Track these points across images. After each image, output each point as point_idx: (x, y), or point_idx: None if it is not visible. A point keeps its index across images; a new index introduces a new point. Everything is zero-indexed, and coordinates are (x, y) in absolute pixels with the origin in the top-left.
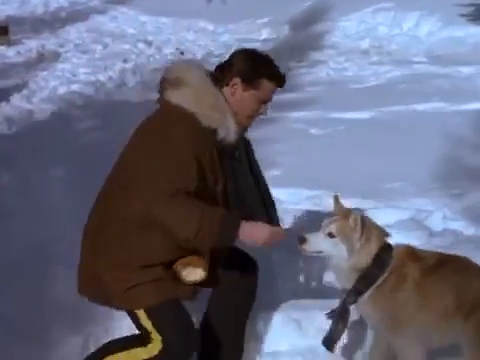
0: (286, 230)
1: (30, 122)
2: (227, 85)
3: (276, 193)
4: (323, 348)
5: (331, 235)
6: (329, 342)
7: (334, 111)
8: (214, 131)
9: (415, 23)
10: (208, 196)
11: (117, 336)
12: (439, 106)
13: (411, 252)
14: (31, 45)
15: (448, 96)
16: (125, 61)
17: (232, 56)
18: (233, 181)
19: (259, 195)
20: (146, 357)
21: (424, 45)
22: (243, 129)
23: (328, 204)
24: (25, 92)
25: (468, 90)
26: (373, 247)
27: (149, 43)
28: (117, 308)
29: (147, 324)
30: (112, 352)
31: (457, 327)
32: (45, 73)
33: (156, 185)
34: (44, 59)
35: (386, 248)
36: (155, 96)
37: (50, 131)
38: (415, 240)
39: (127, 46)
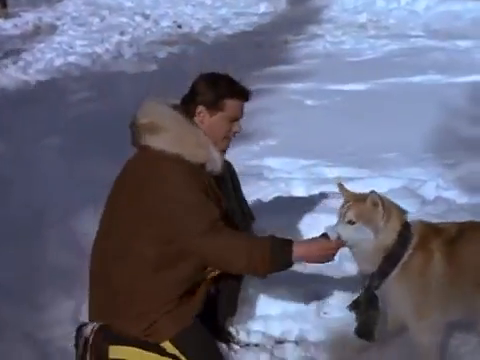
0: (277, 198)
1: (26, 93)
2: (194, 115)
3: (271, 162)
4: (313, 312)
5: (351, 222)
6: (367, 333)
7: (330, 83)
8: (202, 165)
9: None
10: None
11: None
12: (435, 78)
13: (430, 226)
14: (28, 18)
15: (444, 69)
16: (122, 34)
17: (194, 85)
18: (229, 205)
19: (241, 213)
20: None
21: (422, 19)
22: (223, 153)
23: (321, 173)
24: (21, 63)
25: (465, 63)
26: (396, 224)
27: (146, 16)
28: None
29: (174, 352)
30: (139, 347)
31: None
32: (42, 45)
33: (192, 227)
34: (41, 31)
35: (407, 225)
36: (151, 68)
37: (46, 101)
38: (408, 208)
39: (124, 19)
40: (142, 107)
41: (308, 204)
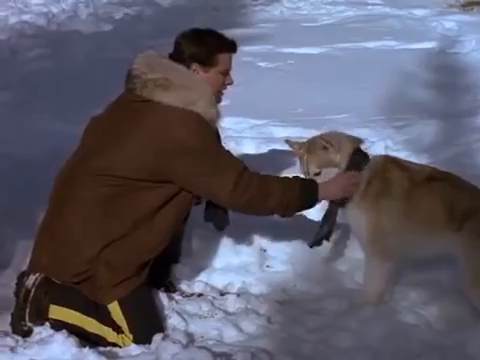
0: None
1: None
2: (188, 68)
3: (222, 121)
4: (255, 265)
5: (317, 173)
6: (315, 241)
7: (284, 46)
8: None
9: None
10: None
11: None
12: (390, 44)
13: (393, 160)
14: None
15: (399, 35)
16: None
17: (178, 44)
18: None
19: None
20: (112, 340)
21: None
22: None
23: (271, 133)
24: None
25: (420, 31)
26: (347, 150)
27: None
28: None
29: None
30: (80, 311)
31: (449, 238)
32: None
33: (227, 175)
34: None
35: (359, 150)
36: (106, 28)
37: None
38: None
39: None
40: (146, 59)
41: (257, 161)
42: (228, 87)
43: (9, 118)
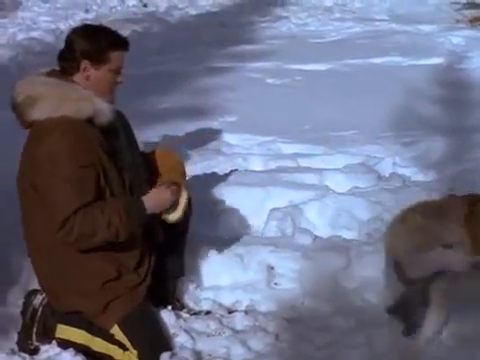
0: (234, 172)
1: None
2: (78, 71)
3: (229, 138)
4: (263, 283)
5: None
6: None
7: (292, 63)
8: (91, 121)
9: None
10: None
11: None
12: (397, 60)
13: None
14: None
15: (406, 51)
16: (87, 11)
17: (70, 41)
18: (122, 157)
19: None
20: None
21: (387, 4)
22: (112, 104)
23: (278, 149)
24: None
25: (426, 46)
26: None
27: None
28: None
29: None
30: (86, 329)
31: None
32: (5, 20)
33: (56, 215)
34: (5, 7)
35: None
36: None
37: (5, 75)
38: (363, 183)
39: None
40: (15, 88)
41: (264, 178)
42: (119, 86)
43: (15, 135)
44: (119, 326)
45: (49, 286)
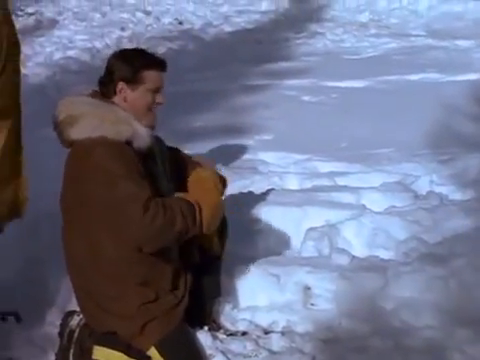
0: (271, 191)
1: (24, 86)
2: (115, 94)
3: (265, 157)
4: (300, 304)
5: None
6: None
7: (328, 80)
8: (128, 143)
9: None
10: None
11: None
12: (434, 77)
13: None
14: (29, 12)
15: (444, 67)
16: (123, 29)
17: (108, 65)
18: (157, 184)
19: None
20: None
21: (423, 19)
22: (152, 128)
23: (314, 168)
24: (20, 57)
25: (464, 62)
26: None
27: (148, 13)
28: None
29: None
30: (124, 351)
31: None
32: (42, 39)
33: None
34: (42, 26)
35: None
36: None
37: (43, 95)
38: (400, 201)
39: (126, 15)
40: (57, 106)
41: (301, 197)
42: (158, 107)
43: (57, 153)
44: (156, 348)
45: (86, 306)
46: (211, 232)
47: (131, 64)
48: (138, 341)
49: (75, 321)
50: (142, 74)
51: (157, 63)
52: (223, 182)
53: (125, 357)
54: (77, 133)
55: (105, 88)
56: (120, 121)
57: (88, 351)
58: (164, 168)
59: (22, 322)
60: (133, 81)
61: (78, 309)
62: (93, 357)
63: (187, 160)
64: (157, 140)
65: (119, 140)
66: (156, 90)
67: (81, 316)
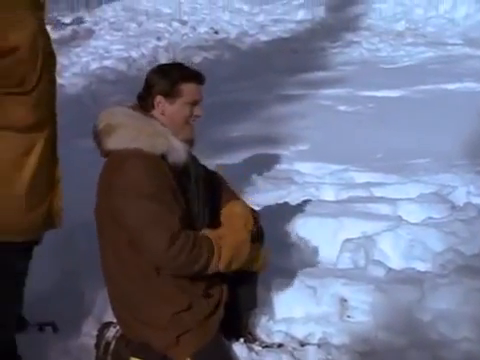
0: (306, 202)
1: (60, 96)
2: (154, 108)
3: (301, 167)
4: (336, 316)
5: None
6: None
7: (364, 89)
8: (164, 157)
9: (451, 5)
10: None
11: None
12: (471, 86)
13: None
14: (66, 22)
15: None
16: (158, 39)
17: (147, 79)
18: (190, 202)
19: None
20: None
21: (460, 27)
22: (190, 144)
23: (351, 178)
24: (57, 67)
25: None
26: None
27: (184, 22)
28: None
29: None
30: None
31: None
32: (78, 49)
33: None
34: (78, 36)
35: None
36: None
37: (79, 104)
38: (437, 213)
39: (162, 25)
40: (98, 116)
41: (336, 208)
42: (198, 119)
43: (93, 164)
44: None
45: (122, 316)
46: (231, 270)
47: (168, 78)
48: (173, 352)
49: (111, 332)
50: (179, 87)
51: (194, 76)
52: (255, 219)
53: None
54: (114, 143)
55: (144, 102)
56: (157, 134)
57: None
58: (197, 187)
59: (59, 332)
60: (171, 94)
61: (114, 320)
62: None
63: (223, 186)
64: (193, 159)
65: (154, 153)
66: (194, 103)
67: (117, 327)
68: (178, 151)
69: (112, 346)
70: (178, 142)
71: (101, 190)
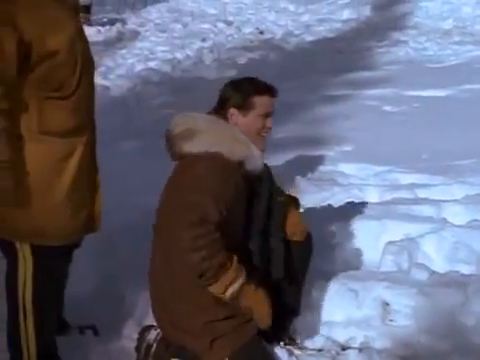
0: (350, 204)
1: (105, 98)
2: (227, 120)
3: (345, 168)
4: (378, 319)
5: None
6: None
7: (410, 89)
8: (240, 164)
9: None
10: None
11: None
12: None
13: None
14: (112, 24)
15: None
16: (203, 40)
17: (221, 94)
18: (257, 211)
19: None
20: None
21: None
22: (262, 152)
23: (395, 180)
24: (102, 69)
25: None
26: None
27: (229, 23)
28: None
29: None
30: None
31: None
32: (124, 51)
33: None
34: (124, 38)
35: None
36: (231, 73)
37: (123, 106)
38: None
39: (207, 25)
40: (173, 120)
41: (380, 210)
42: (268, 131)
43: (136, 166)
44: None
45: (161, 317)
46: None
47: (242, 91)
48: (208, 356)
49: (152, 335)
50: (252, 100)
51: (267, 89)
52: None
53: None
54: (192, 146)
55: (218, 115)
56: (237, 141)
57: None
58: (269, 196)
59: (99, 335)
60: (244, 107)
61: (154, 323)
62: None
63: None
64: (266, 167)
65: (232, 159)
66: (266, 115)
67: (158, 330)
68: (256, 159)
69: (153, 349)
70: (257, 151)
71: (166, 191)
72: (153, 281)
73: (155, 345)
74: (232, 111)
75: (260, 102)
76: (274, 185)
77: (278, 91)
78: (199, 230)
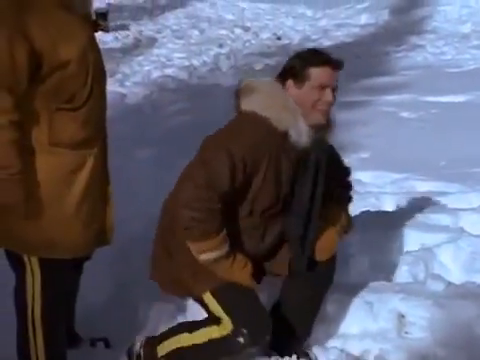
0: (365, 213)
1: (121, 106)
2: (284, 85)
3: (362, 176)
4: (393, 332)
5: None
6: None
7: (427, 94)
8: (286, 135)
9: None
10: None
11: None
12: None
13: None
14: (129, 31)
15: None
16: (220, 46)
17: (285, 63)
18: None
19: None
20: (218, 336)
21: None
22: (323, 127)
23: (412, 187)
24: (119, 76)
25: None
26: None
27: (246, 28)
28: (196, 298)
29: (215, 308)
30: (186, 331)
31: None
32: (140, 58)
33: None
34: (141, 44)
35: None
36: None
37: (139, 114)
38: None
39: (224, 31)
40: (242, 81)
41: (397, 219)
42: (329, 105)
43: (150, 175)
44: (212, 294)
45: (157, 252)
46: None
47: (299, 62)
48: (193, 288)
49: (137, 345)
50: (307, 71)
51: (325, 61)
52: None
53: (188, 335)
54: (248, 104)
55: (281, 83)
56: (286, 110)
57: (155, 356)
58: (313, 180)
59: (110, 348)
60: (299, 78)
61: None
62: (160, 355)
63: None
64: (326, 150)
65: (279, 128)
66: (322, 87)
67: (142, 339)
68: (300, 133)
69: (142, 355)
70: (304, 125)
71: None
72: (165, 210)
73: (142, 351)
74: (289, 83)
75: (315, 73)
76: (321, 176)
77: (343, 64)
78: (201, 193)
